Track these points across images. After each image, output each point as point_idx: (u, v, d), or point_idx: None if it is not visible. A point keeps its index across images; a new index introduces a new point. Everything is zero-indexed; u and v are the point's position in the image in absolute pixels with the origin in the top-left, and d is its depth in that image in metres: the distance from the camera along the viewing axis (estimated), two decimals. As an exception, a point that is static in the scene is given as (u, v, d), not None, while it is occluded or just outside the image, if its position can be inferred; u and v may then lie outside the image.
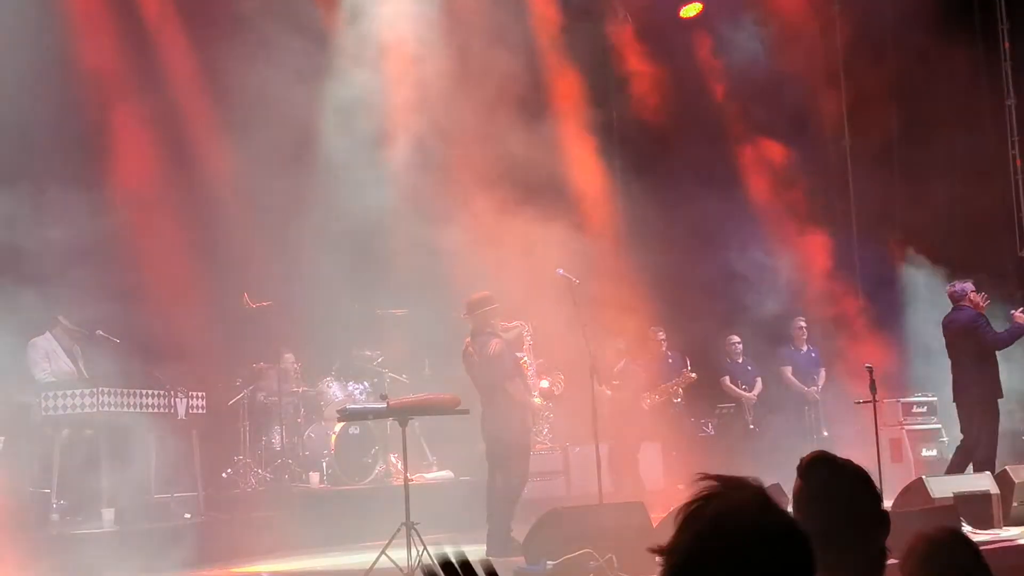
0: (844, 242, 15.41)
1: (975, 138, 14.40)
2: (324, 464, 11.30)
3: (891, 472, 10.85)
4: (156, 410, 9.44)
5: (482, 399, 9.14)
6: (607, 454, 10.44)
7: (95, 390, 8.85)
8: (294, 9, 12.22)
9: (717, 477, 1.63)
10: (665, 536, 1.61)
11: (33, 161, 10.67)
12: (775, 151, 15.60)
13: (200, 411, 10.00)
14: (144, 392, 9.33)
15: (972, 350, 10.50)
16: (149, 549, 8.59)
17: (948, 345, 10.84)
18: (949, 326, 10.77)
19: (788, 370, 13.37)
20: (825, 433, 13.35)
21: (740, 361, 13.75)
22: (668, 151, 14.32)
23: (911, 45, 13.98)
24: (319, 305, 11.98)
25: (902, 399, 12.68)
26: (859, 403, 9.94)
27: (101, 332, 9.82)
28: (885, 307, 14.25)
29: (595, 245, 13.13)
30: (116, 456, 9.10)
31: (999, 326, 10.72)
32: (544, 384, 11.22)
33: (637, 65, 14.03)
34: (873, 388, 9.24)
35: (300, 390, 11.73)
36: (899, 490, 8.94)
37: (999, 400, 10.58)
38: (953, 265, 13.19)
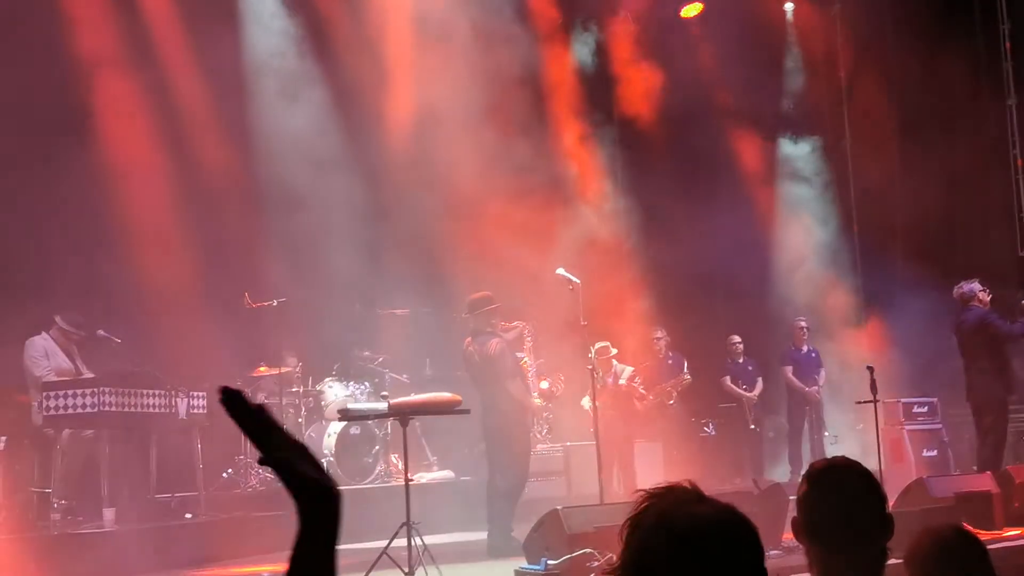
0: (845, 242, 15.42)
1: (976, 138, 14.40)
2: (325, 464, 11.28)
3: (892, 472, 10.86)
4: (157, 410, 9.43)
5: (482, 399, 9.14)
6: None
7: (96, 390, 8.85)
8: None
9: (652, 489, 1.68)
10: None
11: (33, 161, 10.68)
12: (775, 151, 15.63)
13: (201, 411, 9.99)
14: (145, 392, 9.33)
15: (985, 349, 10.52)
16: (150, 549, 8.59)
17: (960, 346, 10.84)
18: (960, 327, 10.76)
19: (789, 370, 13.37)
20: (826, 433, 13.36)
21: (741, 361, 13.75)
22: (669, 150, 14.31)
23: (912, 45, 13.99)
24: (320, 305, 11.98)
25: (903, 399, 12.68)
26: (860, 403, 9.93)
27: (102, 332, 9.82)
28: (886, 307, 14.25)
29: (595, 244, 13.14)
30: (117, 456, 9.10)
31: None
32: (544, 385, 11.21)
33: (638, 64, 14.02)
34: (874, 388, 9.23)
35: (301, 390, 11.73)
36: (899, 490, 8.94)
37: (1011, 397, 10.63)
38: (954, 265, 13.20)
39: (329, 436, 11.31)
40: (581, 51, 14.08)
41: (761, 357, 13.96)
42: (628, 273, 13.22)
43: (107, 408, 8.83)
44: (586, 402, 10.71)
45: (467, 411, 8.10)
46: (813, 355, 13.48)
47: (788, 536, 7.00)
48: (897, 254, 15.10)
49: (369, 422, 10.86)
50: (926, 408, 12.75)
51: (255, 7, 12.65)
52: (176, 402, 9.61)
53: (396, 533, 7.21)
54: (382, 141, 12.47)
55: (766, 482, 10.39)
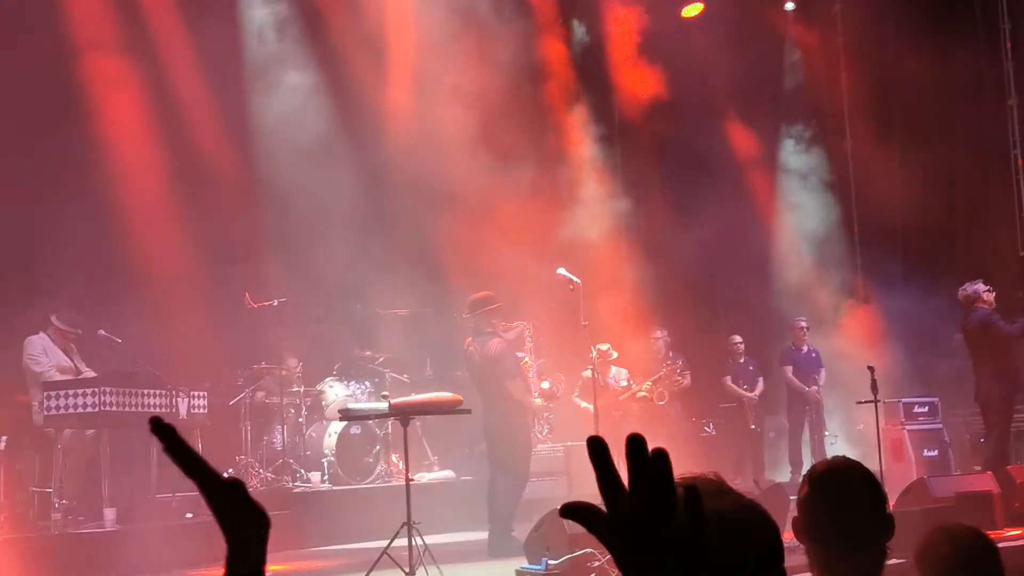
0: (845, 241, 15.42)
1: (976, 137, 14.40)
2: (325, 464, 11.30)
3: (892, 472, 10.85)
4: (158, 410, 9.43)
5: (483, 399, 9.14)
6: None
7: (97, 390, 8.85)
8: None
9: (676, 478, 1.64)
10: None
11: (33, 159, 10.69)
12: (775, 150, 15.62)
13: (201, 411, 10.00)
14: (146, 392, 9.33)
15: (989, 350, 10.56)
16: (151, 549, 8.59)
17: (967, 347, 10.92)
18: (966, 328, 10.83)
19: (789, 370, 13.36)
20: (826, 433, 13.36)
21: (742, 361, 13.75)
22: (669, 149, 14.31)
23: (912, 45, 13.98)
24: (321, 305, 11.99)
25: (904, 399, 12.67)
26: (861, 403, 9.93)
27: (103, 332, 9.82)
28: (886, 306, 14.24)
29: (597, 244, 13.15)
30: (118, 456, 9.10)
31: None
32: (545, 385, 11.22)
33: (638, 64, 14.01)
34: (874, 388, 9.23)
35: (301, 390, 11.73)
36: (900, 490, 8.94)
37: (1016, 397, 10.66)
38: (954, 265, 13.21)
39: (330, 436, 11.31)
40: (582, 50, 14.06)
41: (761, 357, 13.96)
42: (628, 273, 13.21)
43: (108, 408, 8.83)
44: (578, 400, 10.74)
45: (468, 411, 8.10)
46: (813, 355, 13.47)
47: (788, 536, 6.99)
48: (898, 254, 15.10)
49: (370, 422, 10.86)
50: (927, 408, 12.73)
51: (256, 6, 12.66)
52: (177, 402, 9.61)
53: (397, 533, 7.21)
54: (383, 140, 12.48)
55: (767, 482, 10.41)
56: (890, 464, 11.11)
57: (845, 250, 15.37)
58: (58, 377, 9.33)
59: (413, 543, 7.15)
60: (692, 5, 14.66)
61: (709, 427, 13.78)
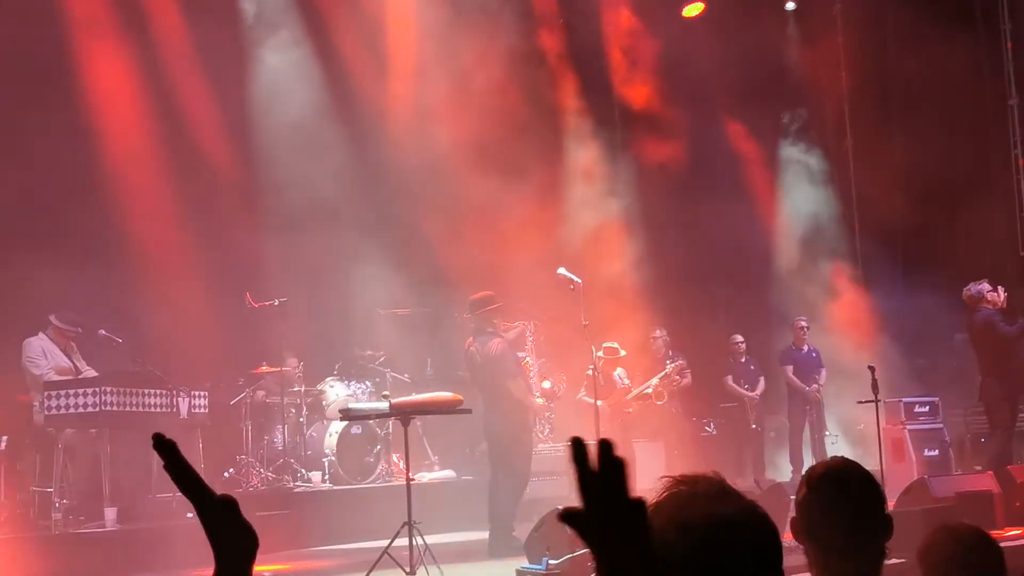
0: (846, 241, 15.42)
1: (978, 137, 14.40)
2: (326, 463, 11.30)
3: (893, 472, 10.85)
4: (158, 409, 9.44)
5: (484, 399, 9.14)
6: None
7: (97, 389, 8.85)
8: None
9: (678, 476, 1.64)
10: None
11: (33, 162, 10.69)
12: (776, 150, 15.62)
13: (202, 410, 10.00)
14: (146, 391, 9.33)
15: (992, 349, 10.57)
16: (151, 549, 8.59)
17: (972, 347, 10.94)
18: (970, 328, 10.89)
19: (789, 369, 13.36)
20: (827, 432, 13.35)
21: (743, 361, 13.75)
22: (670, 148, 14.30)
23: (913, 45, 13.97)
24: (321, 304, 11.99)
25: (904, 399, 12.67)
26: (861, 403, 9.94)
27: (103, 332, 9.82)
28: (887, 306, 14.24)
29: (597, 243, 13.15)
30: (118, 455, 9.10)
31: None
32: (546, 384, 11.22)
33: (640, 63, 14.01)
34: (875, 388, 9.23)
35: (302, 389, 11.73)
36: (901, 490, 8.94)
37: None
38: (955, 264, 13.20)
39: (330, 436, 11.31)
40: (582, 49, 14.05)
41: (762, 356, 13.96)
42: (628, 272, 13.21)
43: (108, 408, 8.83)
44: (587, 398, 10.69)
45: (468, 411, 8.10)
46: (814, 355, 13.47)
47: (788, 536, 6.99)
48: (898, 253, 15.10)
49: (370, 422, 10.86)
50: (927, 408, 12.74)
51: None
52: (177, 402, 9.62)
53: (397, 533, 7.21)
54: (383, 139, 12.48)
55: (768, 482, 10.40)
56: (891, 464, 11.11)
57: (845, 249, 15.36)
58: (56, 379, 9.32)
59: (414, 543, 7.16)
60: (693, 5, 14.66)
61: (710, 427, 13.78)
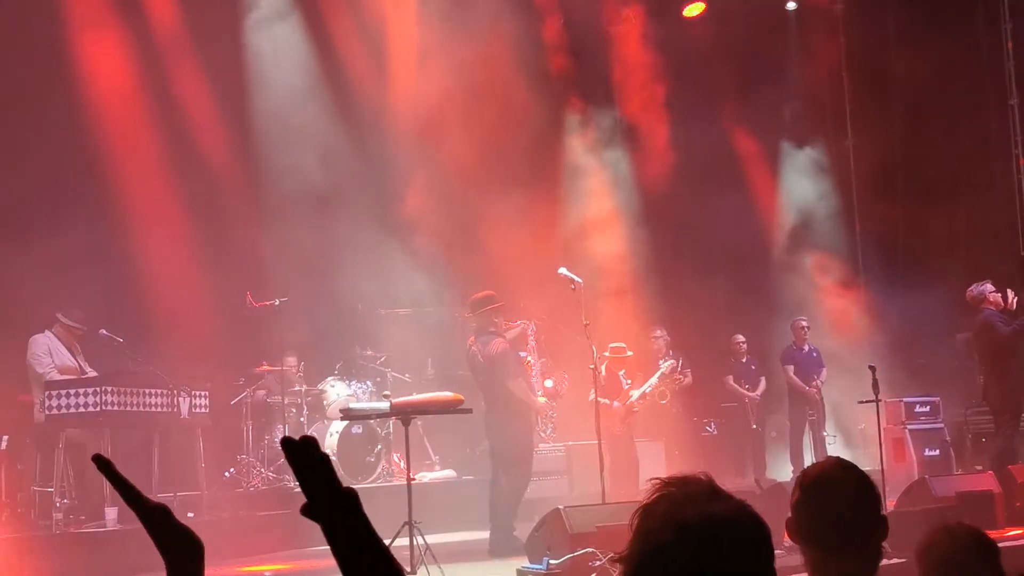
0: (848, 240, 15.42)
1: (978, 138, 14.39)
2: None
3: (893, 472, 10.86)
4: (159, 409, 9.44)
5: (485, 399, 9.14)
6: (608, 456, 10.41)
7: (98, 389, 8.85)
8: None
9: (668, 478, 1.64)
10: None
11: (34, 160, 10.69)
12: (777, 149, 15.62)
13: (203, 410, 10.00)
14: (147, 391, 9.33)
15: (990, 349, 10.58)
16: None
17: (974, 347, 10.98)
18: (974, 329, 10.88)
19: (790, 369, 13.37)
20: (826, 432, 13.35)
21: (744, 360, 13.75)
22: (671, 148, 14.31)
23: (914, 44, 13.97)
24: (322, 304, 11.99)
25: (905, 399, 12.67)
26: (862, 403, 9.94)
27: (104, 331, 9.82)
28: (888, 306, 14.24)
29: (598, 243, 13.15)
30: (119, 455, 9.10)
31: None
32: (548, 384, 11.21)
33: (640, 63, 14.01)
34: (876, 388, 9.23)
35: (303, 389, 11.74)
36: (902, 490, 8.95)
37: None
38: (956, 264, 13.21)
39: (331, 435, 11.32)
40: (584, 49, 14.05)
41: (763, 356, 13.96)
42: (629, 271, 13.21)
43: (109, 407, 8.83)
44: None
45: (469, 411, 8.11)
46: (814, 355, 13.47)
47: (786, 537, 6.99)
48: (898, 252, 15.10)
49: (371, 421, 10.86)
50: (928, 408, 12.74)
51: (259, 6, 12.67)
52: (178, 401, 9.61)
53: (398, 532, 7.21)
54: (384, 138, 12.48)
55: (768, 481, 10.41)
56: (891, 464, 11.12)
57: (846, 248, 15.36)
58: (58, 378, 9.32)
59: (414, 542, 7.16)
60: (693, 5, 14.67)
61: (710, 427, 13.78)
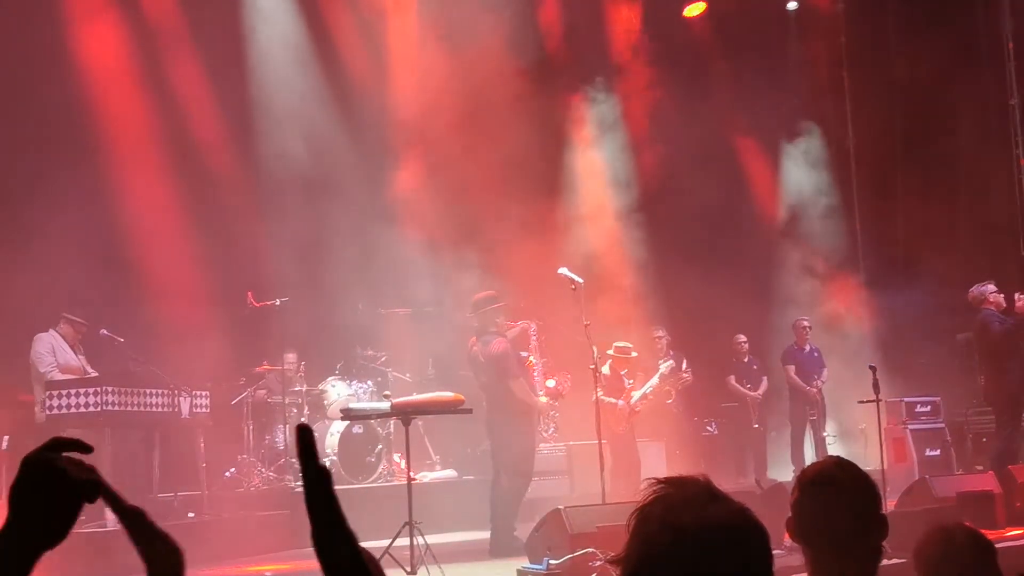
0: (848, 240, 15.42)
1: (979, 137, 14.40)
2: (327, 463, 11.24)
3: (894, 472, 10.86)
4: (160, 409, 9.44)
5: (487, 399, 9.13)
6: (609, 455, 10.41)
7: (99, 389, 8.85)
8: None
9: (666, 479, 1.63)
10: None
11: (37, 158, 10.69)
12: (778, 149, 15.62)
13: (204, 410, 10.00)
14: (148, 391, 9.34)
15: (988, 349, 10.61)
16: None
17: (975, 347, 11.00)
18: (973, 329, 10.91)
19: (791, 369, 13.37)
20: (827, 432, 13.36)
21: (746, 360, 13.75)
22: (671, 147, 14.32)
23: (914, 44, 13.98)
24: (323, 304, 11.99)
25: (906, 398, 12.67)
26: (862, 403, 9.94)
27: (105, 331, 9.83)
28: (889, 305, 14.24)
29: (598, 243, 13.15)
30: (119, 455, 9.10)
31: None
32: (551, 384, 11.20)
33: (640, 62, 14.02)
34: (876, 388, 9.23)
35: (303, 389, 11.74)
36: (902, 490, 8.95)
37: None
38: (956, 264, 13.21)
39: (332, 435, 11.32)
40: (584, 49, 14.05)
41: (764, 356, 13.96)
42: (630, 271, 13.21)
43: (110, 407, 8.83)
44: (604, 397, 10.65)
45: (469, 411, 8.10)
46: (815, 354, 13.48)
47: (786, 536, 7.00)
48: (899, 252, 15.10)
49: (372, 421, 10.86)
50: (929, 408, 12.75)
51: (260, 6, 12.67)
52: (179, 401, 9.62)
53: (399, 532, 7.22)
54: (385, 138, 12.48)
55: (769, 481, 10.40)
56: (892, 464, 11.13)
57: (847, 248, 15.36)
58: (59, 378, 9.33)
59: (415, 542, 7.16)
60: (694, 5, 14.67)
61: (711, 426, 13.78)
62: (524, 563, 7.59)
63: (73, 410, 8.85)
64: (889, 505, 7.78)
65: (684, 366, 12.50)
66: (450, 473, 12.05)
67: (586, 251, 12.83)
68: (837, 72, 15.60)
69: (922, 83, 13.97)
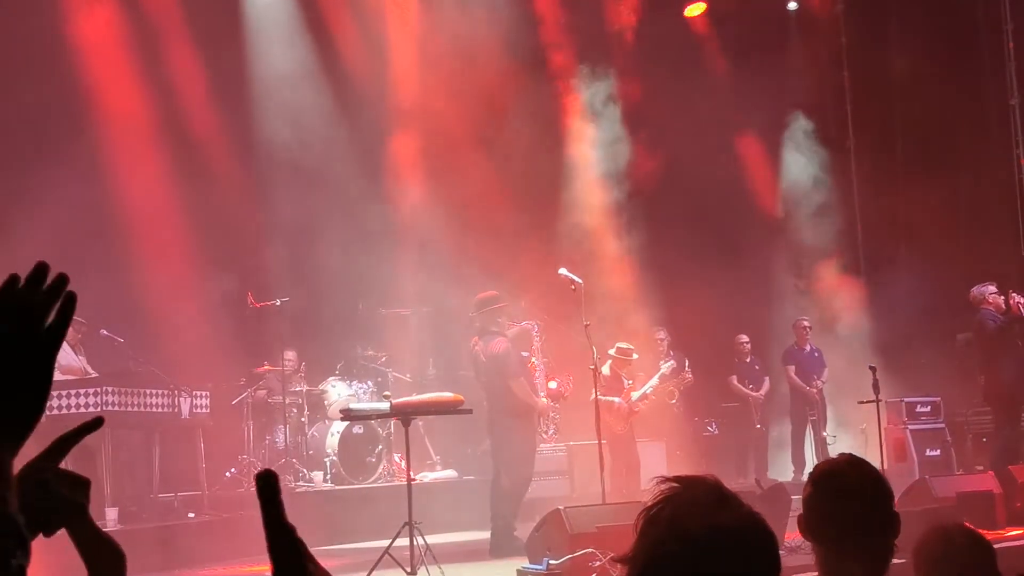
0: (849, 240, 15.41)
1: (979, 137, 14.40)
2: (328, 463, 11.30)
3: (894, 472, 10.85)
4: (160, 409, 9.45)
5: (488, 399, 9.13)
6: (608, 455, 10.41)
7: (99, 389, 8.86)
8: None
9: (674, 479, 1.62)
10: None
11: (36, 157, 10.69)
12: (778, 149, 15.61)
13: (204, 410, 10.00)
14: (148, 392, 9.34)
15: (984, 348, 10.62)
16: (153, 548, 8.59)
17: (974, 347, 11.03)
18: (972, 329, 10.94)
19: (792, 369, 13.37)
20: (827, 432, 13.36)
21: (748, 360, 13.75)
22: (672, 147, 14.31)
23: (915, 44, 13.97)
24: (323, 304, 11.99)
25: (906, 399, 12.66)
26: (862, 403, 9.93)
27: (105, 332, 9.83)
28: (889, 306, 14.23)
29: (598, 242, 13.14)
30: (120, 455, 9.10)
31: None
32: (552, 385, 11.20)
33: (640, 62, 14.01)
34: (876, 388, 9.23)
35: (304, 389, 11.74)
36: (902, 490, 8.94)
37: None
38: (957, 264, 13.20)
39: (332, 435, 11.32)
40: (584, 47, 14.04)
41: (765, 357, 13.96)
42: (630, 270, 13.21)
43: (110, 408, 8.83)
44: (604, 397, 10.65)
45: (469, 411, 8.10)
46: (816, 355, 13.48)
47: (790, 536, 7.01)
48: (900, 252, 15.09)
49: (372, 421, 10.86)
50: (929, 407, 12.73)
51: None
52: (179, 402, 9.62)
53: (398, 533, 7.22)
54: (384, 140, 12.47)
55: (769, 482, 10.40)
56: (892, 464, 11.12)
57: (848, 248, 15.35)
58: (59, 378, 9.33)
59: (415, 543, 7.16)
60: (695, 5, 14.66)
61: (712, 427, 13.78)
62: (524, 563, 7.59)
63: (73, 410, 8.85)
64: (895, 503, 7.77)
65: (687, 365, 12.48)
66: (450, 473, 12.05)
67: (586, 251, 12.82)
68: (837, 72, 15.58)
69: (922, 84, 13.96)
